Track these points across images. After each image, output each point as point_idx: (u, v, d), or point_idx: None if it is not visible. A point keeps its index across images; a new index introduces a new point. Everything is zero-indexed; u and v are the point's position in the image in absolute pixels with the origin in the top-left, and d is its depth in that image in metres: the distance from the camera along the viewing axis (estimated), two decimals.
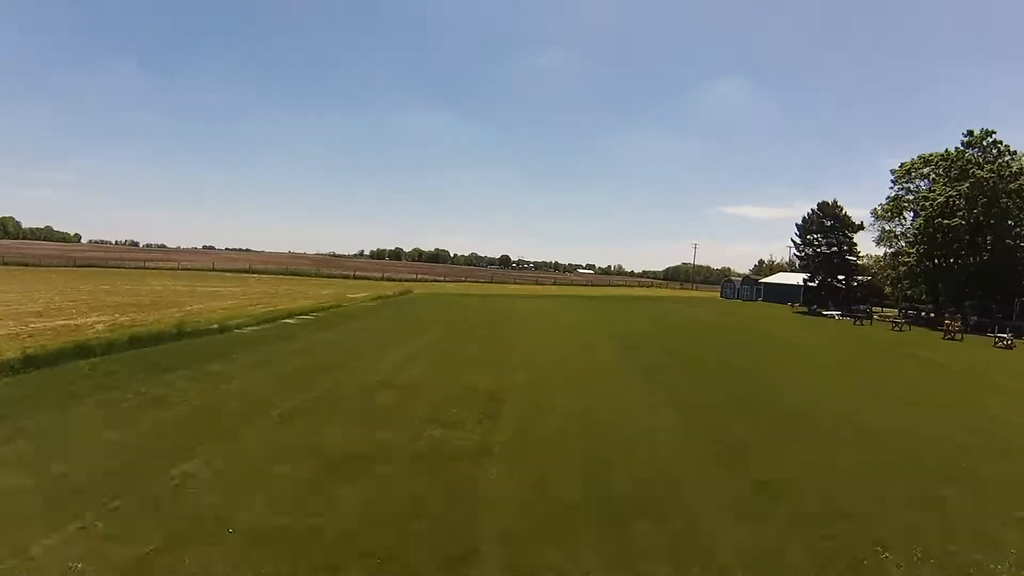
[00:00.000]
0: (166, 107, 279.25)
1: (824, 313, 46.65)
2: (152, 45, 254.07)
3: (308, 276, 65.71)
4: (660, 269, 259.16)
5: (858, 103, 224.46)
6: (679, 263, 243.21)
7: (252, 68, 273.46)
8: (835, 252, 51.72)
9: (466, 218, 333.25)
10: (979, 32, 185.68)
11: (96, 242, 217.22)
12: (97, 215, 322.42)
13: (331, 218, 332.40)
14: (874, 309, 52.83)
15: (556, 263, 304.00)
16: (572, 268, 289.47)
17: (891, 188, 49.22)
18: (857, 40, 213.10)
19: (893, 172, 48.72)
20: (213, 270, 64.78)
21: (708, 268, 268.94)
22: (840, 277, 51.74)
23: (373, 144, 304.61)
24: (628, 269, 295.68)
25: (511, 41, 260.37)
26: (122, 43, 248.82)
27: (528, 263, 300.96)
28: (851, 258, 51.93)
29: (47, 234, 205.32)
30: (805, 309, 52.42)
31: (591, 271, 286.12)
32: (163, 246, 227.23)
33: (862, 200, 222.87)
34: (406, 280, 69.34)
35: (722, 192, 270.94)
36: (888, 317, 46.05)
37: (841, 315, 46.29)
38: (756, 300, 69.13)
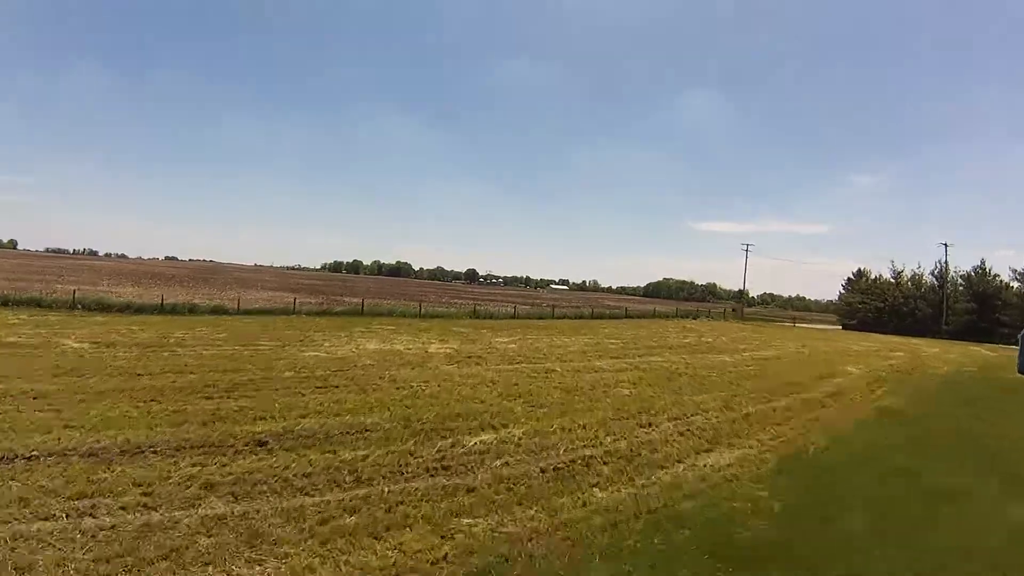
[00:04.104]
0: (128, 111, 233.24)
1: None
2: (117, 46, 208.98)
3: None
4: (639, 285, 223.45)
5: (827, 120, 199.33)
6: (660, 278, 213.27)
7: (219, 72, 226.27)
8: None
9: (435, 231, 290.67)
10: (950, 51, 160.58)
11: (53, 250, 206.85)
12: (50, 221, 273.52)
13: (304, 229, 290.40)
14: None
15: (527, 278, 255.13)
16: (544, 284, 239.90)
17: None
18: (828, 57, 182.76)
19: None
20: None
21: (692, 283, 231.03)
22: None
23: (342, 153, 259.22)
24: (605, 285, 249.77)
25: (484, 50, 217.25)
26: (85, 42, 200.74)
27: (497, 278, 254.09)
28: None
29: None
30: None
31: (565, 287, 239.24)
32: (123, 256, 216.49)
33: (829, 217, 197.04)
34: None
35: (692, 207, 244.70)
36: None
37: None
38: None
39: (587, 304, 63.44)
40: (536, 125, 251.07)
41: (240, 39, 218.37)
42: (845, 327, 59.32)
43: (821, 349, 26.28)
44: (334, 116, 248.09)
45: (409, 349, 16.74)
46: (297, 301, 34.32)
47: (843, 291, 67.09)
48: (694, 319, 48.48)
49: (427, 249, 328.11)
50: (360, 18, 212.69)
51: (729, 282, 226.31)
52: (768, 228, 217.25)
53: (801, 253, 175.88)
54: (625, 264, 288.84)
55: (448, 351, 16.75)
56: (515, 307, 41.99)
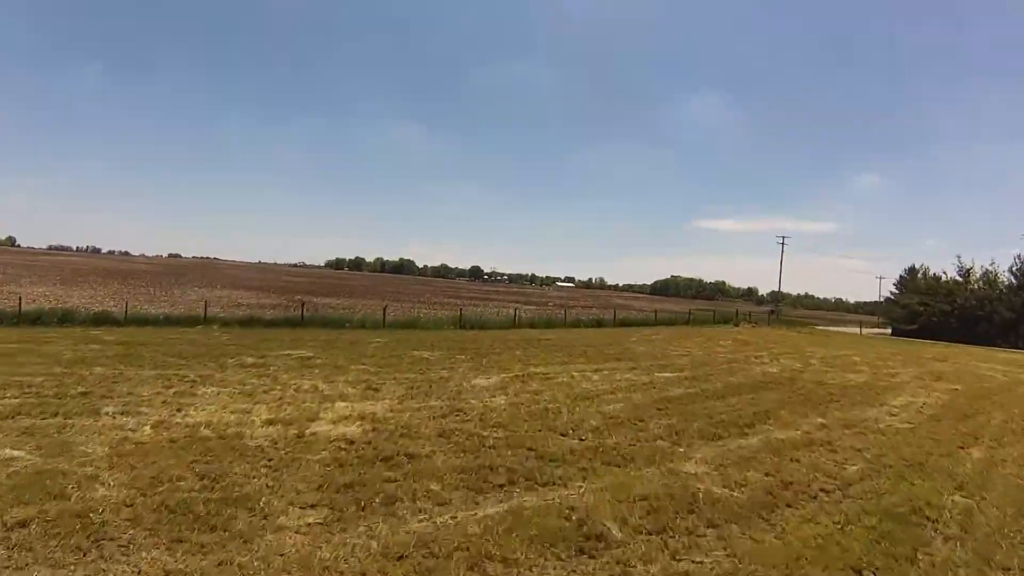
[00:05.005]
0: (132, 112, 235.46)
1: None
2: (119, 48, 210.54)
3: None
4: (645, 283, 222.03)
5: (830, 120, 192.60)
6: (667, 276, 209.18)
7: (221, 74, 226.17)
8: None
9: (442, 229, 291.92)
10: (953, 51, 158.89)
11: (55, 247, 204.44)
12: (58, 221, 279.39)
13: (312, 228, 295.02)
14: None
15: (533, 276, 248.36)
16: (550, 281, 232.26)
17: None
18: (832, 57, 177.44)
19: None
20: None
21: (700, 281, 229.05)
22: None
23: (349, 154, 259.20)
24: (611, 282, 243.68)
25: (489, 52, 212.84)
26: (89, 45, 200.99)
27: (502, 275, 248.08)
28: None
29: None
30: None
31: (571, 284, 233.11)
32: (127, 253, 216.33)
33: (831, 216, 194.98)
34: None
35: (696, 206, 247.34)
36: None
37: None
38: None
39: (600, 305, 54.49)
40: (542, 125, 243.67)
41: (243, 40, 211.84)
42: (897, 332, 50.06)
43: (970, 382, 17.08)
44: (340, 117, 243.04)
45: (274, 420, 7.74)
46: (227, 305, 25.59)
47: (894, 291, 57.56)
48: (735, 325, 39.25)
49: (434, 247, 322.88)
50: (362, 20, 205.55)
51: (735, 280, 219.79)
52: (774, 226, 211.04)
53: (807, 251, 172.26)
54: (629, 262, 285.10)
55: (358, 429, 7.74)
56: (517, 310, 33.03)
